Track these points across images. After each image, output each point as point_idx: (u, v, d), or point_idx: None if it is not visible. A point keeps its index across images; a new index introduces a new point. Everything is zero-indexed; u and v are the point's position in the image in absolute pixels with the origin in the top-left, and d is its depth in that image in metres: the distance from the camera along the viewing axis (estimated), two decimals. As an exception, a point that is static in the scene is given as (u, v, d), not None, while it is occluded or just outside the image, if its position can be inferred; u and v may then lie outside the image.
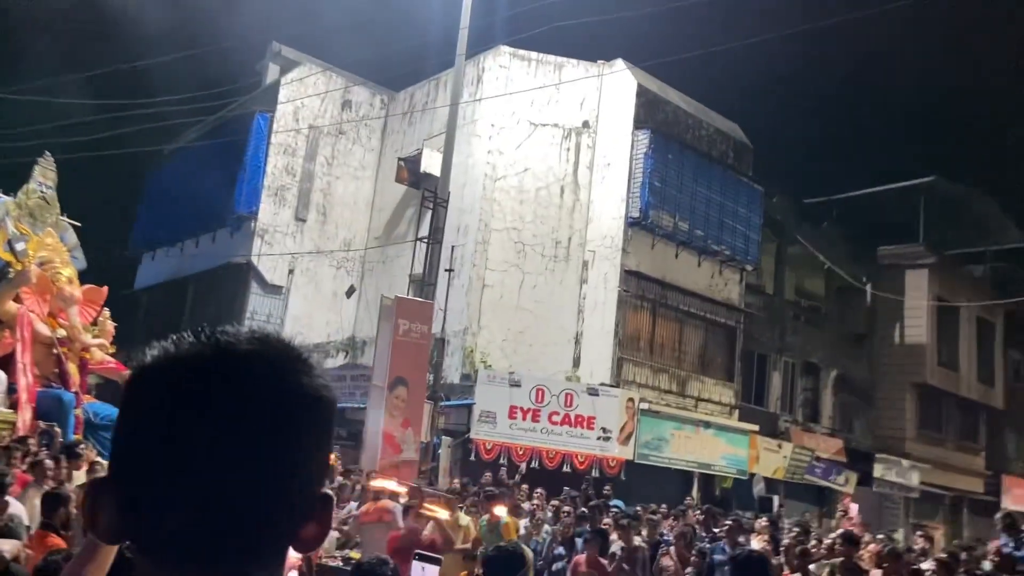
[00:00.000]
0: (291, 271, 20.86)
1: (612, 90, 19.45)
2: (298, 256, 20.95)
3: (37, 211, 12.82)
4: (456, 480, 13.57)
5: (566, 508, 11.40)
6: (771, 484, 19.86)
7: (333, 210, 22.01)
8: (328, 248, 21.58)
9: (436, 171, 16.62)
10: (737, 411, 20.17)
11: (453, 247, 16.16)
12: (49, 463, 7.27)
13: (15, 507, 6.35)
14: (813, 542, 10.08)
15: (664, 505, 13.83)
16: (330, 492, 0.85)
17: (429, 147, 19.04)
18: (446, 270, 15.43)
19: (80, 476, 8.19)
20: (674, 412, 18.24)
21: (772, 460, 20.02)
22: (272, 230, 20.87)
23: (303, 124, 21.41)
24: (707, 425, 18.67)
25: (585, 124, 19.64)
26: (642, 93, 19.12)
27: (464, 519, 8.75)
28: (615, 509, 11.65)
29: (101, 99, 17.38)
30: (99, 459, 9.63)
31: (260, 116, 20.72)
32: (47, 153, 13.30)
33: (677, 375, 19.23)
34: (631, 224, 18.42)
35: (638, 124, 18.75)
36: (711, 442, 18.59)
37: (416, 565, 2.20)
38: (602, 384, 17.26)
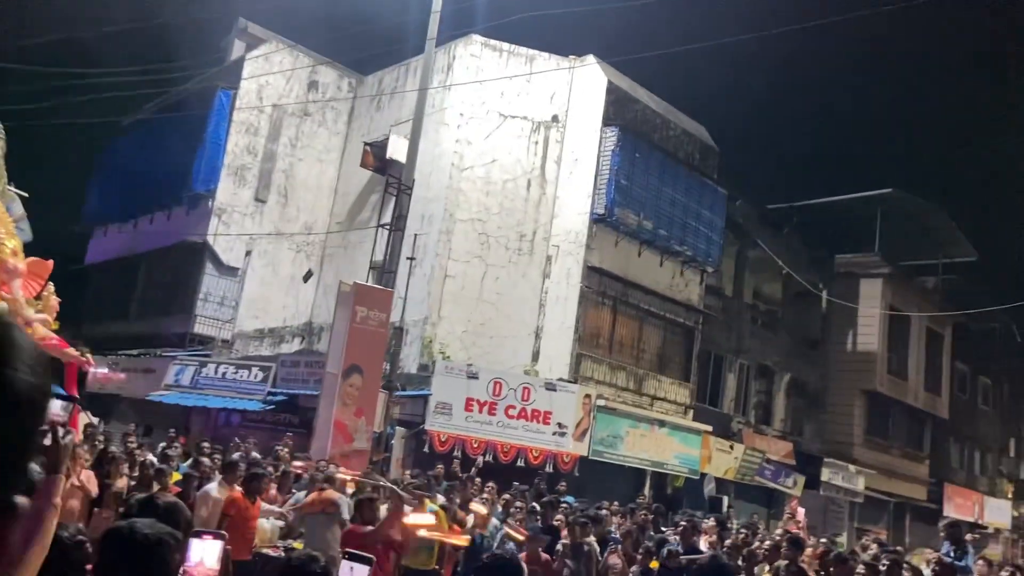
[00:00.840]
0: (248, 253, 20.42)
1: (582, 86, 19.36)
2: (256, 238, 20.51)
3: (-18, 179, 12.29)
4: (408, 471, 13.39)
5: (518, 503, 11.30)
6: (721, 484, 20.05)
7: (295, 192, 21.60)
8: (288, 231, 21.17)
9: (402, 158, 16.36)
10: (692, 411, 20.32)
11: (416, 235, 15.96)
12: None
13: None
14: (756, 543, 10.14)
15: (616, 502, 13.83)
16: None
17: (396, 133, 18.75)
18: (408, 258, 15.23)
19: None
20: (630, 410, 18.27)
21: (724, 460, 20.21)
22: (230, 210, 20.40)
23: (267, 103, 20.95)
24: (662, 424, 18.76)
25: (554, 118, 19.53)
26: (612, 90, 19.07)
27: (478, 507, 8.62)
28: (565, 505, 11.59)
29: (58, 67, 16.74)
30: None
31: (222, 92, 20.21)
32: (-5, 119, 12.73)
33: (635, 373, 19.28)
34: (596, 220, 18.37)
35: (607, 121, 18.70)
36: (665, 441, 18.69)
37: (345, 565, 2.05)
38: (560, 379, 17.21)
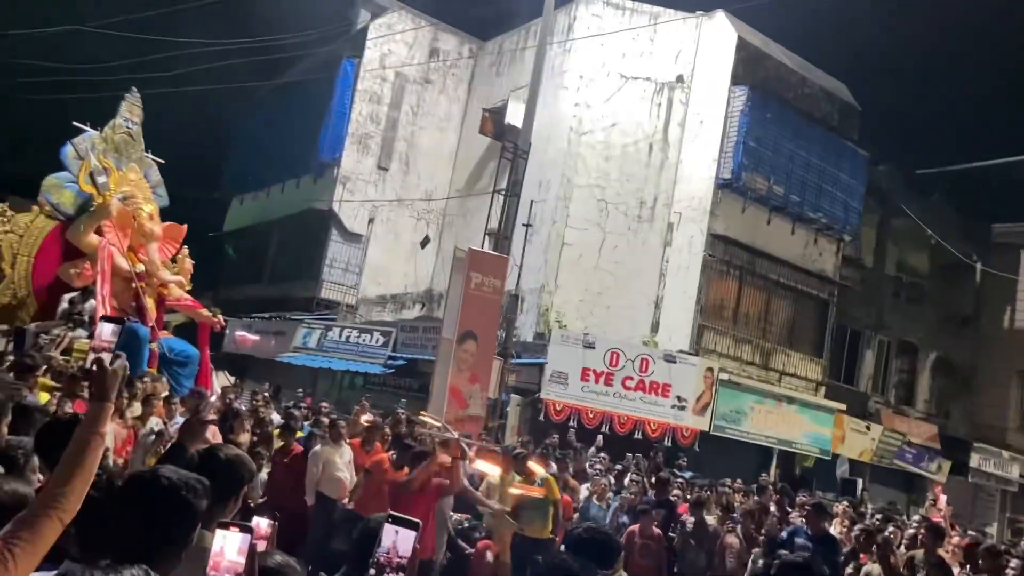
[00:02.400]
0: (371, 220, 20.83)
1: (710, 43, 18.37)
2: (379, 205, 20.87)
3: (122, 146, 12.97)
4: (522, 438, 13.27)
5: (633, 476, 10.93)
6: (856, 466, 18.89)
7: (416, 160, 21.80)
8: (409, 198, 21.42)
9: (521, 123, 16.07)
10: (824, 388, 19.17)
11: (532, 202, 15.65)
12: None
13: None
14: (891, 529, 9.31)
15: (739, 480, 13.22)
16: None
17: (515, 99, 18.44)
18: (524, 225, 14.97)
19: (136, 408, 8.22)
20: (755, 385, 17.41)
21: (859, 442, 19.01)
22: (355, 178, 20.84)
23: (389, 72, 21.16)
24: (790, 400, 17.78)
25: (679, 78, 18.65)
26: (742, 47, 17.99)
27: (540, 471, 8.37)
28: (681, 480, 11.12)
29: (193, 37, 17.46)
30: (163, 395, 9.73)
31: (347, 61, 20.58)
32: (134, 89, 13.39)
33: (761, 347, 18.35)
34: (721, 186, 17.49)
35: (736, 80, 17.68)
36: (793, 418, 17.71)
37: (388, 529, 1.81)
38: (680, 351, 16.58)
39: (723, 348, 17.64)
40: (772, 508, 9.53)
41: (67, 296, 11.37)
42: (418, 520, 1.84)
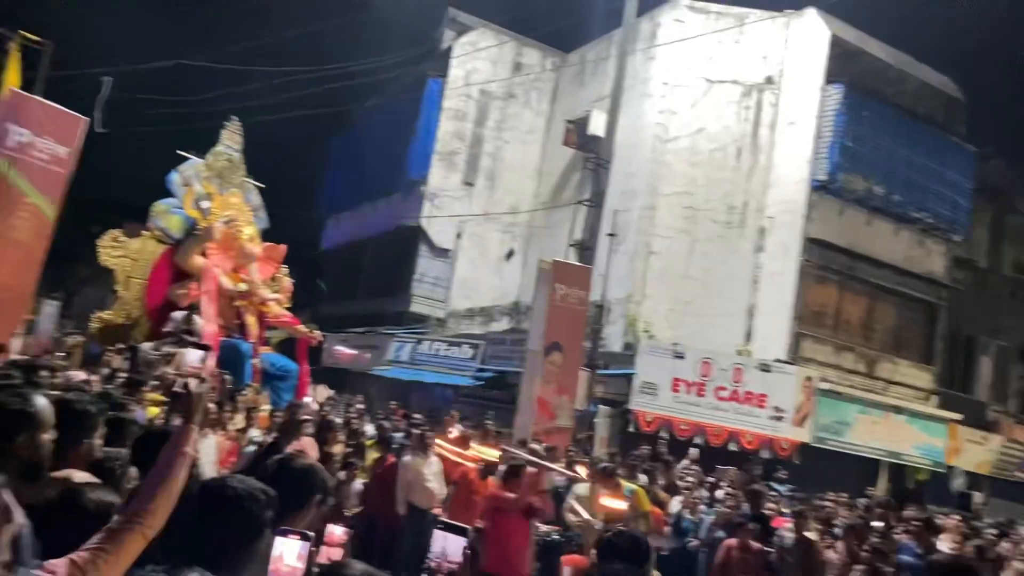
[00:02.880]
0: (459, 235, 21.17)
1: (800, 41, 17.82)
2: (465, 220, 21.18)
3: (224, 172, 13.67)
4: (610, 450, 13.14)
5: (728, 489, 10.63)
6: (973, 479, 17.78)
7: (501, 175, 22.03)
8: (495, 212, 21.65)
9: (604, 133, 16.02)
10: (935, 397, 18.15)
11: (616, 212, 15.56)
12: (211, 407, 7.60)
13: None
14: (1007, 545, 8.70)
15: (843, 494, 12.66)
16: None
17: (598, 109, 18.35)
18: (608, 235, 14.87)
19: (239, 420, 8.59)
20: (859, 394, 16.68)
21: (976, 453, 17.94)
22: (442, 194, 21.24)
23: (474, 88, 21.49)
24: (898, 411, 16.93)
25: (768, 80, 18.16)
26: (836, 44, 17.38)
27: (647, 505, 8.33)
28: (774, 493, 10.74)
29: (287, 65, 18.25)
30: (264, 407, 10.15)
31: (433, 81, 21.04)
32: (233, 117, 14.10)
33: (865, 354, 17.57)
34: (817, 188, 16.90)
35: (830, 78, 17.09)
36: (903, 429, 16.85)
37: (438, 535, 1.84)
38: (777, 360, 16.05)
39: (823, 357, 16.99)
40: (877, 523, 9.09)
41: (174, 315, 12.02)
42: (466, 526, 1.87)
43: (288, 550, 1.98)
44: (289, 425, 5.83)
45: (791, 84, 17.79)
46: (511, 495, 6.55)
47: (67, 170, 8.93)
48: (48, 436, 2.49)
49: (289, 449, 8.13)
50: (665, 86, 17.85)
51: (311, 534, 2.08)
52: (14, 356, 7.83)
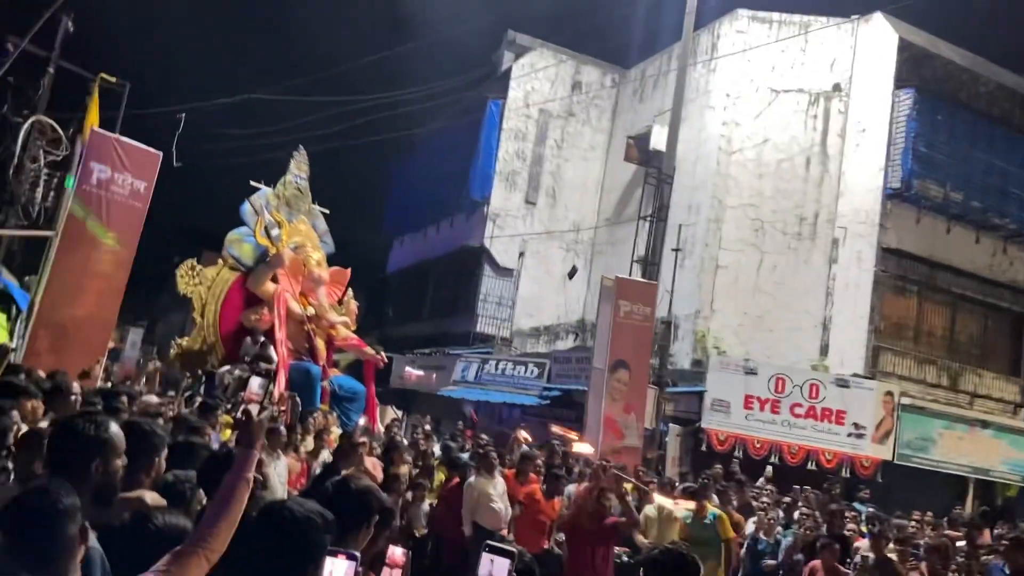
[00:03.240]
0: (522, 254, 21.22)
1: (868, 47, 17.36)
2: (528, 239, 21.24)
3: (292, 200, 14.07)
4: (682, 469, 12.89)
5: (804, 510, 10.28)
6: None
7: (563, 192, 22.05)
8: (558, 230, 21.67)
9: (666, 147, 15.90)
10: (1024, 410, 17.25)
11: (681, 226, 15.35)
12: (282, 430, 7.76)
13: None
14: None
15: (929, 512, 12.12)
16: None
17: (660, 123, 18.25)
18: (673, 250, 14.68)
19: (309, 442, 8.74)
20: (943, 409, 15.97)
21: (1070, 469, 16.88)
22: (504, 214, 21.36)
23: (533, 108, 21.63)
24: (985, 425, 16.13)
25: (836, 87, 17.72)
26: (905, 48, 16.89)
27: (679, 512, 8.10)
28: (854, 513, 10.34)
29: (350, 93, 18.72)
30: (335, 428, 10.30)
31: (493, 103, 21.25)
32: (301, 147, 14.52)
33: (948, 367, 16.83)
34: (890, 196, 16.37)
35: (900, 83, 16.60)
36: (990, 444, 16.04)
37: (485, 558, 1.82)
38: (854, 375, 15.52)
39: (903, 370, 16.36)
40: (962, 543, 8.66)
41: (247, 340, 12.38)
42: (512, 549, 1.84)
43: (337, 569, 2.01)
44: (345, 449, 5.91)
45: (860, 90, 17.32)
46: (558, 505, 6.42)
47: (145, 203, 9.33)
48: (120, 461, 2.59)
49: (349, 471, 8.24)
50: (728, 97, 17.60)
51: (358, 554, 2.10)
52: (97, 383, 8.17)
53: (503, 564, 1.82)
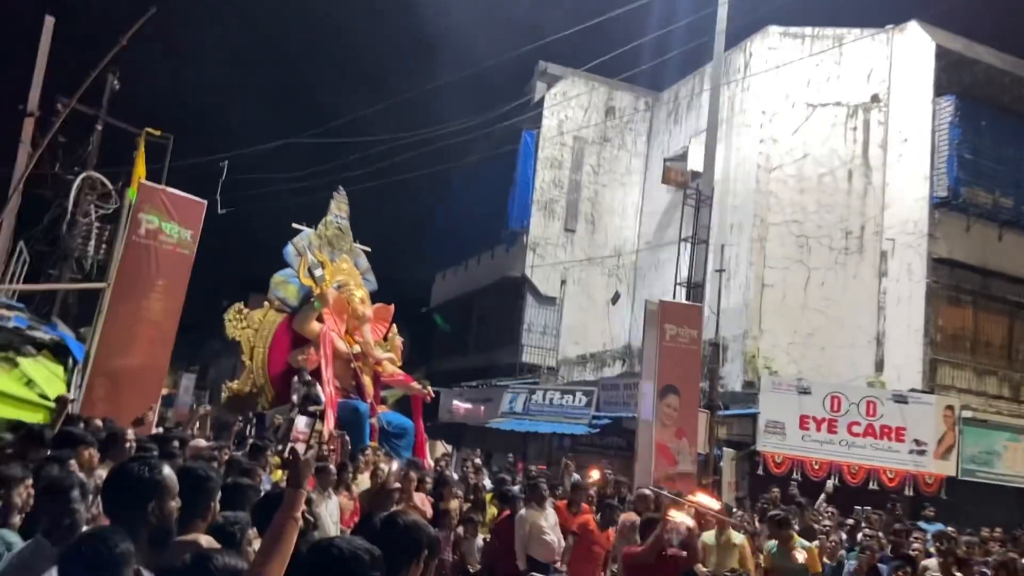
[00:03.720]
0: (563, 282, 21.19)
1: (905, 56, 17.14)
2: (569, 266, 21.22)
3: (334, 240, 14.27)
4: (739, 494, 12.59)
5: (868, 531, 9.95)
6: None
7: (601, 218, 22.03)
8: (598, 256, 21.61)
9: (703, 168, 15.81)
10: (1095, 419, 16.52)
11: (724, 246, 15.18)
12: (332, 469, 7.79)
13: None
14: None
15: (998, 529, 11.65)
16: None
17: (696, 144, 18.18)
18: (716, 271, 14.50)
19: (364, 480, 8.74)
20: (1007, 420, 15.41)
21: None
22: (544, 243, 21.39)
23: (568, 136, 21.73)
24: (1052, 436, 15.49)
25: (874, 98, 17.51)
26: (943, 55, 16.61)
27: (738, 538, 7.91)
28: (919, 532, 9.96)
29: (388, 132, 19.04)
30: (384, 466, 10.31)
31: (527, 134, 21.41)
32: (340, 188, 14.76)
33: (1010, 377, 16.26)
34: (938, 205, 16.00)
35: (940, 90, 16.31)
36: (1060, 456, 15.39)
37: None
38: (912, 390, 15.08)
39: (963, 383, 15.84)
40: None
41: (294, 380, 12.50)
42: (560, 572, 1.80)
43: None
44: (379, 497, 5.89)
45: (900, 100, 17.08)
46: (638, 549, 6.21)
47: (192, 251, 9.56)
48: (174, 503, 2.62)
49: (399, 507, 8.19)
50: (763, 115, 17.46)
51: None
52: (152, 430, 8.32)
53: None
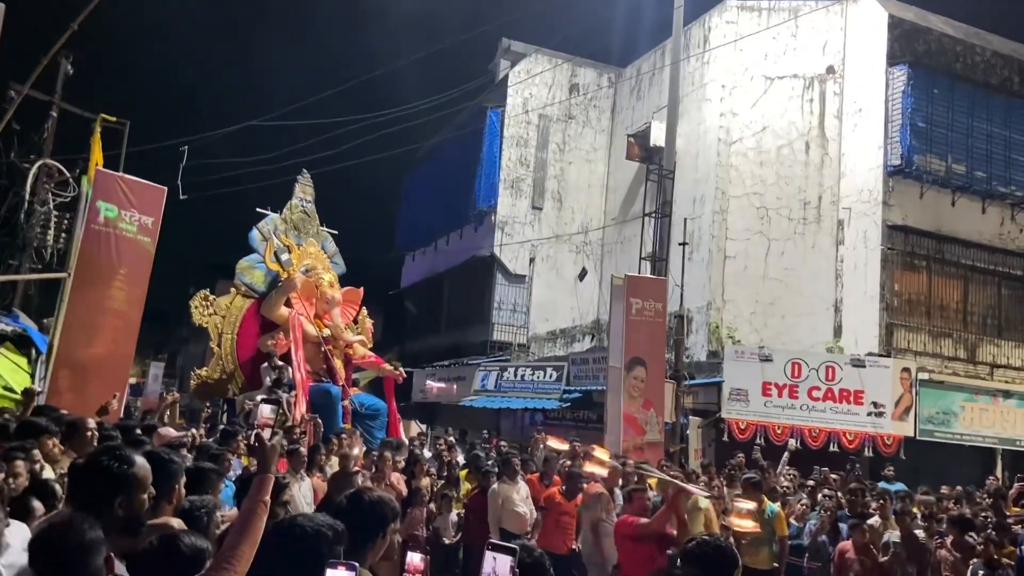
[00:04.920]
0: (532, 260, 21.34)
1: (859, 27, 17.41)
2: (537, 244, 21.35)
3: (300, 224, 14.25)
4: (704, 460, 12.93)
5: (827, 491, 10.31)
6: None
7: (568, 195, 22.17)
8: (566, 233, 21.77)
9: (665, 143, 15.99)
10: (1049, 377, 17.13)
11: (686, 220, 15.40)
12: (303, 452, 7.90)
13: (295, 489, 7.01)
14: None
15: (958, 487, 12.11)
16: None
17: (658, 119, 18.34)
18: (680, 244, 14.73)
19: (334, 463, 8.87)
20: (962, 381, 15.91)
21: (1099, 432, 16.74)
22: (511, 221, 21.49)
23: (533, 114, 21.77)
24: (1007, 395, 16.06)
25: (830, 69, 17.79)
26: (895, 25, 16.89)
27: (703, 502, 8.18)
28: (876, 491, 10.34)
29: (352, 113, 18.92)
30: (358, 448, 10.41)
31: (492, 112, 21.41)
32: (304, 171, 14.71)
33: (964, 339, 16.77)
34: (892, 173, 16.35)
35: (893, 60, 16.58)
36: (1014, 414, 15.96)
37: (488, 556, 1.92)
38: (869, 354, 15.50)
39: (919, 346, 16.30)
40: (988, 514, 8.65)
41: (264, 365, 12.54)
42: (514, 546, 1.93)
43: None
44: (338, 479, 5.99)
45: (854, 71, 17.38)
46: (643, 521, 6.32)
47: (154, 238, 9.52)
48: (146, 495, 2.66)
49: (376, 487, 8.31)
50: (723, 89, 17.67)
51: (356, 564, 2.19)
52: (118, 418, 8.35)
53: (505, 561, 1.91)
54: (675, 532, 6.40)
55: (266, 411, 2.86)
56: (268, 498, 2.56)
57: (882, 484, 12.13)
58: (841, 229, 16.94)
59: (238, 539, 2.39)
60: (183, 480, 3.07)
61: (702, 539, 3.22)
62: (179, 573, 2.39)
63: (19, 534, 2.61)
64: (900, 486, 12.09)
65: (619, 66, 22.80)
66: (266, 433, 2.76)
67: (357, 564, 2.18)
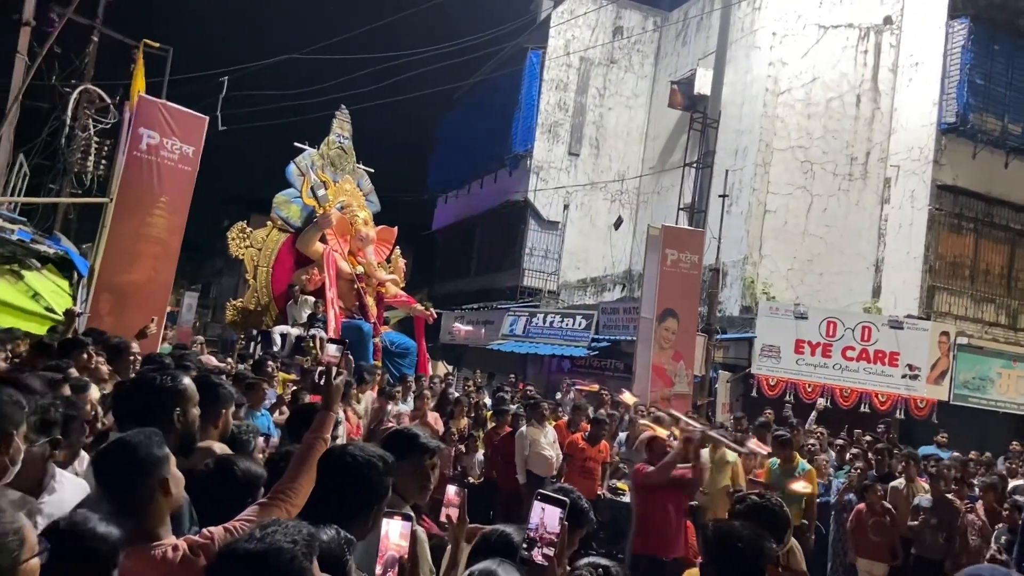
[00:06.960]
0: (566, 206, 21.11)
1: (920, -24, 16.64)
2: (572, 191, 21.09)
3: (337, 160, 14.19)
4: (734, 415, 12.88)
5: (854, 450, 10.24)
6: None
7: (606, 142, 21.76)
8: (602, 181, 21.45)
9: (711, 91, 15.56)
10: (1089, 348, 16.73)
11: (728, 171, 15.05)
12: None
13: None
14: None
15: (987, 452, 11.97)
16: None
17: (704, 67, 17.81)
18: (720, 196, 14.43)
19: (368, 398, 8.96)
20: (1002, 348, 15.61)
21: None
22: (547, 166, 21.20)
23: (574, 57, 21.28)
24: (1046, 364, 15.73)
25: (887, 20, 17.08)
26: (960, -25, 16.10)
27: (731, 456, 8.14)
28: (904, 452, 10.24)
29: (390, 51, 18.65)
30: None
31: (532, 53, 20.95)
32: (343, 106, 14.57)
33: (1007, 305, 16.39)
34: (946, 131, 15.80)
35: (954, 13, 15.88)
36: (1051, 383, 15.66)
37: (536, 506, 1.87)
38: (908, 316, 15.23)
39: (959, 310, 15.98)
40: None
41: (290, 302, 12.66)
42: (564, 498, 1.88)
43: (393, 529, 2.11)
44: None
45: (912, 23, 16.67)
46: (651, 468, 6.33)
47: (194, 167, 9.50)
48: (196, 411, 2.71)
49: (415, 422, 8.39)
50: (774, 36, 17.06)
51: (412, 514, 2.18)
52: (158, 342, 8.46)
53: (554, 513, 1.86)
54: (691, 475, 6.39)
55: (332, 350, 2.84)
56: (329, 435, 2.57)
57: (931, 449, 12.01)
58: (888, 187, 16.48)
59: (298, 472, 2.39)
60: (232, 408, 3.07)
61: (755, 502, 3.24)
62: (234, 497, 2.40)
63: (70, 482, 2.62)
64: (951, 453, 11.88)
65: (665, 10, 22.10)
66: (333, 371, 2.75)
67: (412, 515, 2.16)
